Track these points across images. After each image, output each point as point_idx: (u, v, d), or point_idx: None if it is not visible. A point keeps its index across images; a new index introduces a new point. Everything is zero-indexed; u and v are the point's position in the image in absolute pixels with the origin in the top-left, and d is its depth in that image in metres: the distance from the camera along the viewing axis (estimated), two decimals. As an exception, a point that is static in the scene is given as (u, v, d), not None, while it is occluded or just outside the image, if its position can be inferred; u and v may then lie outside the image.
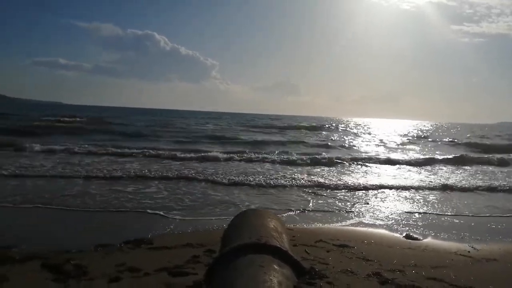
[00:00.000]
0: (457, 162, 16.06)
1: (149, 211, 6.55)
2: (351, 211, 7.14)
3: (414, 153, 20.68)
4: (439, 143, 30.65)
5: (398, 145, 27.48)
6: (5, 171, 9.35)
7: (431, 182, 10.84)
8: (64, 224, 5.81)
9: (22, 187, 7.99)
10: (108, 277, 3.45)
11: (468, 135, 43.77)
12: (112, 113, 66.01)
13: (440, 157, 17.18)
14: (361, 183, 10.02)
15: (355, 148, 23.42)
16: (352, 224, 6.24)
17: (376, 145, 26.50)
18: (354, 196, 8.57)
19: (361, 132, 41.66)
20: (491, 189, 10.06)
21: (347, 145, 24.61)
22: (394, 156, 18.19)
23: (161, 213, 6.42)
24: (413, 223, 6.42)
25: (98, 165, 11.19)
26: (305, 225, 6.00)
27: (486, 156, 18.01)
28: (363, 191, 9.14)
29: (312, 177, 10.69)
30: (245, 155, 15.05)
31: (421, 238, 5.49)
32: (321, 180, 10.13)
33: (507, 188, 10.19)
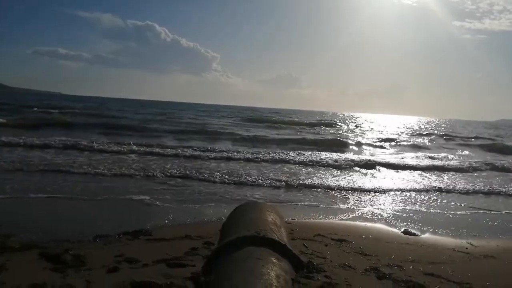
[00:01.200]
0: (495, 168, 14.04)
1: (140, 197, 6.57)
2: (350, 207, 7.15)
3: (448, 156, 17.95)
4: (457, 142, 28.32)
5: (422, 145, 24.80)
6: None
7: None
8: (63, 213, 5.83)
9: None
10: (107, 267, 3.46)
11: (482, 134, 40.54)
12: (112, 104, 65.47)
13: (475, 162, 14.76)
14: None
15: (384, 150, 21.15)
16: (350, 219, 6.25)
17: (398, 144, 24.09)
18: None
19: (377, 131, 37.56)
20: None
21: (374, 146, 22.24)
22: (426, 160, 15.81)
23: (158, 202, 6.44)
24: (411, 219, 6.43)
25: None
26: (304, 219, 6.01)
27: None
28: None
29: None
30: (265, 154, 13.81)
31: (419, 234, 5.51)
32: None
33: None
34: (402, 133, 36.70)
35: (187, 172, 9.57)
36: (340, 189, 8.73)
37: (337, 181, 9.61)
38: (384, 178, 10.92)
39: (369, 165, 12.79)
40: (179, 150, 13.55)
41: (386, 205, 7.43)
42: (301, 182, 9.19)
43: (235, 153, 13.86)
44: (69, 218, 5.58)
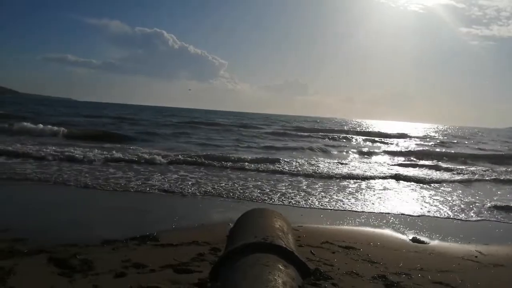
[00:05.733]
0: None
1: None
2: (358, 213, 7.11)
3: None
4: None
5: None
6: None
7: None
8: (72, 216, 5.85)
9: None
10: (114, 272, 3.47)
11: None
12: (125, 110, 65.51)
13: None
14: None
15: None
16: (358, 226, 6.21)
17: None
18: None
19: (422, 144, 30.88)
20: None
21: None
22: None
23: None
24: (420, 226, 6.37)
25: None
26: (311, 226, 5.97)
27: None
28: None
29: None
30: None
31: (428, 242, 5.45)
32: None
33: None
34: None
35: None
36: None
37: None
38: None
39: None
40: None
41: (394, 211, 7.36)
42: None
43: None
44: (77, 221, 5.61)
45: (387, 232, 5.94)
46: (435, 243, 5.46)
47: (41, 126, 19.40)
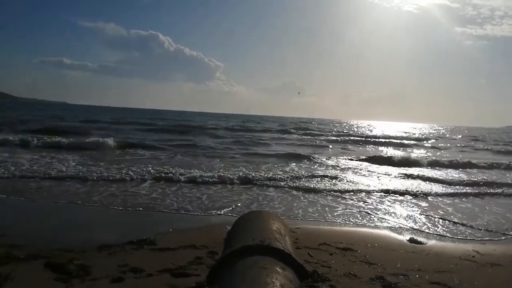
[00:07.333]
0: None
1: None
2: (355, 215, 7.11)
3: None
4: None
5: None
6: None
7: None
8: (70, 221, 5.83)
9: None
10: (111, 277, 3.46)
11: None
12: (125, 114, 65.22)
13: None
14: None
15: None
16: (355, 227, 6.22)
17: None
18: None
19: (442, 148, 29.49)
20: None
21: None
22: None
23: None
24: (417, 226, 6.39)
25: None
26: (308, 228, 5.98)
27: None
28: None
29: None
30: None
31: (425, 242, 5.47)
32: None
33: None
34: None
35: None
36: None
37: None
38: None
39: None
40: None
41: (392, 212, 7.37)
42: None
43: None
44: (75, 226, 5.59)
45: (385, 233, 5.95)
46: (432, 243, 5.47)
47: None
